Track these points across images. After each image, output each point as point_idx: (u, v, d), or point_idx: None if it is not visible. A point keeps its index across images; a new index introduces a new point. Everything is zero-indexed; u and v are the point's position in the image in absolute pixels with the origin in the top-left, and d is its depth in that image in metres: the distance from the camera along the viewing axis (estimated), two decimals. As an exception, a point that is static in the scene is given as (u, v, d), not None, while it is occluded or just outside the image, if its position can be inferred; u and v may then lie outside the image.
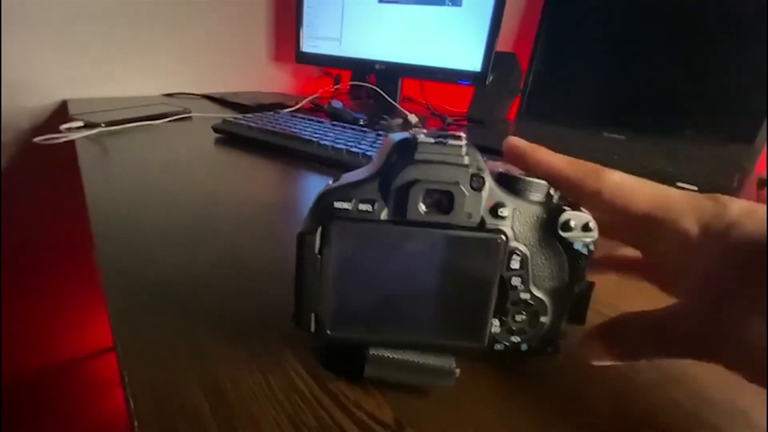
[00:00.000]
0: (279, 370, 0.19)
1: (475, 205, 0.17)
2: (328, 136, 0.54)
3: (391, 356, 0.18)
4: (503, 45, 0.79)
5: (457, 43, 0.75)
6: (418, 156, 0.16)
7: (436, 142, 0.17)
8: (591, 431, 0.18)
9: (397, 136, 0.18)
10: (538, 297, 0.18)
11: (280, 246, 0.30)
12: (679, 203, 0.16)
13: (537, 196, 0.18)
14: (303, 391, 0.18)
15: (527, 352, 0.19)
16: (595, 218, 0.18)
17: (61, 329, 0.95)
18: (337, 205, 0.17)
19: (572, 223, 0.17)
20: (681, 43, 0.65)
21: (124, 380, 0.18)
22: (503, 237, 0.17)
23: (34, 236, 0.85)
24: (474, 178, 0.17)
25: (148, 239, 0.30)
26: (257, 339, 0.21)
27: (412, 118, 0.78)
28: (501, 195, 0.17)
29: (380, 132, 0.58)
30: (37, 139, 0.50)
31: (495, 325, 0.18)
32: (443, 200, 0.17)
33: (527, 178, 0.18)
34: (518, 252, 0.18)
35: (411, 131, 0.17)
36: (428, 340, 0.19)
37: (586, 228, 0.18)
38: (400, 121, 0.79)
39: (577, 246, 0.18)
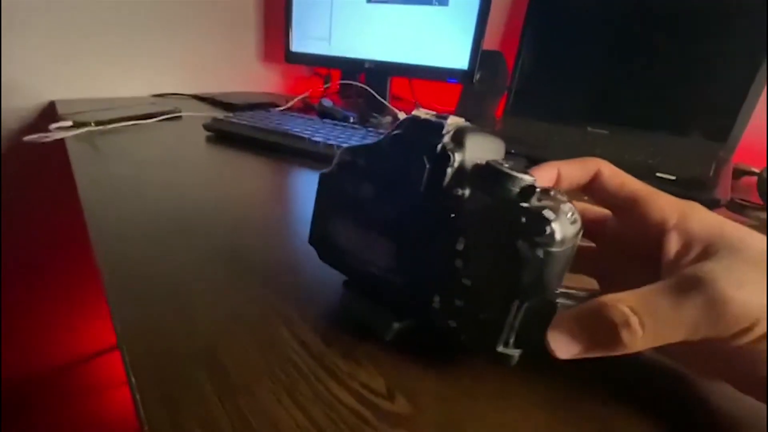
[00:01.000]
0: (278, 351, 0.20)
1: (436, 179, 0.18)
2: (319, 133, 0.55)
3: (355, 294, 0.23)
4: (489, 43, 0.80)
5: (444, 42, 0.76)
6: (403, 128, 0.20)
7: (425, 119, 0.19)
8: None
9: (412, 114, 0.20)
10: (478, 289, 0.17)
11: (273, 240, 0.31)
12: (663, 195, 0.19)
13: (510, 190, 0.17)
14: (300, 366, 0.19)
15: (466, 343, 0.19)
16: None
17: (58, 330, 0.94)
18: (344, 156, 0.22)
19: (524, 225, 0.16)
20: (662, 42, 0.67)
21: (128, 373, 0.19)
22: (451, 214, 0.18)
23: (27, 237, 0.84)
24: (439, 155, 0.18)
25: (144, 236, 0.30)
26: (259, 323, 0.22)
27: (402, 116, 0.79)
28: (467, 178, 0.18)
29: (370, 129, 0.59)
30: (27, 138, 0.50)
31: (436, 301, 0.19)
32: (412, 168, 0.19)
33: (508, 171, 0.17)
34: (465, 235, 0.17)
35: (416, 112, 0.20)
36: (385, 291, 0.21)
37: (539, 232, 0.16)
38: (389, 119, 0.80)
39: (522, 248, 0.16)
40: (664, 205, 0.18)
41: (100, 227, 0.31)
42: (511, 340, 0.17)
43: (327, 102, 0.77)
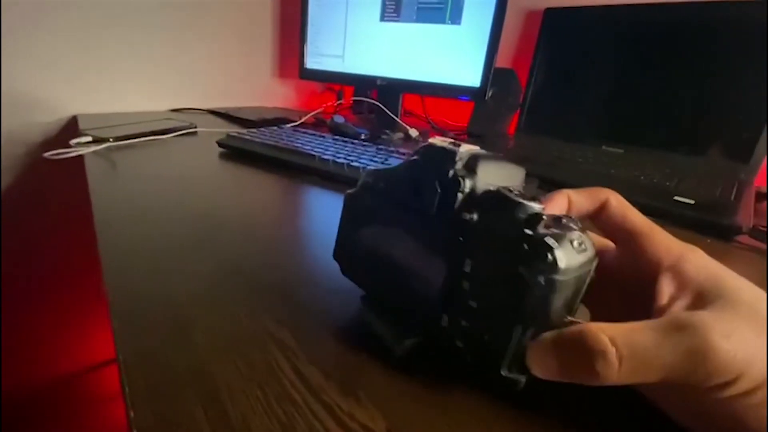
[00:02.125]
0: (275, 382, 0.19)
1: (446, 203, 0.19)
2: (329, 150, 0.55)
3: (373, 310, 0.23)
4: (502, 61, 0.80)
5: (456, 60, 0.77)
6: (419, 154, 0.21)
7: (441, 147, 0.20)
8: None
9: (427, 143, 0.21)
10: (483, 310, 0.18)
11: (282, 259, 0.31)
12: (664, 234, 0.19)
13: (517, 216, 0.17)
14: (298, 401, 0.18)
15: (473, 365, 0.19)
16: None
17: (64, 342, 0.95)
18: (366, 179, 0.23)
19: (528, 253, 0.16)
20: (678, 59, 0.66)
21: (125, 391, 0.19)
22: (460, 238, 0.18)
23: (42, 250, 0.86)
24: (449, 180, 0.19)
25: (153, 251, 0.31)
26: (256, 351, 0.21)
27: (413, 132, 0.80)
28: (477, 203, 0.18)
29: (381, 146, 0.59)
30: (47, 154, 0.52)
31: (444, 320, 0.19)
32: (424, 194, 0.20)
33: (515, 199, 0.17)
34: (473, 258, 0.18)
35: (433, 139, 0.21)
36: (401, 308, 0.22)
37: (543, 260, 0.16)
38: (401, 135, 0.80)
39: (526, 276, 0.16)
40: (663, 245, 0.18)
41: (109, 245, 0.31)
42: (515, 366, 0.17)
43: (339, 118, 0.78)
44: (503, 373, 0.18)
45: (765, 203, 0.57)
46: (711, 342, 0.14)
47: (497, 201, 0.18)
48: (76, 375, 0.99)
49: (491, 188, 0.18)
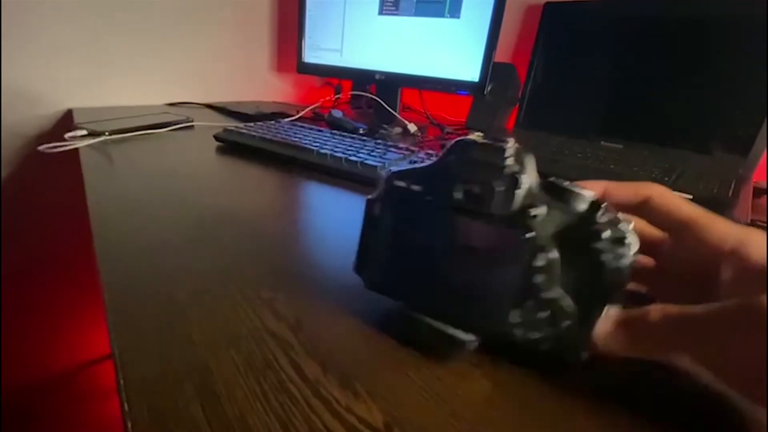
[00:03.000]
0: (273, 376, 0.19)
1: (507, 201, 0.19)
2: (327, 145, 0.55)
3: (421, 319, 0.21)
4: (501, 56, 0.80)
5: (455, 54, 0.76)
6: (465, 153, 0.20)
7: (484, 144, 0.19)
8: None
9: (461, 138, 0.21)
10: (560, 299, 0.19)
11: (279, 254, 0.31)
12: (720, 220, 0.19)
13: (580, 205, 0.19)
14: (295, 395, 0.18)
15: (547, 352, 0.20)
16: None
17: (61, 337, 0.95)
18: (396, 183, 0.21)
19: (603, 235, 0.18)
20: (677, 55, 0.66)
21: (119, 385, 0.18)
22: (527, 234, 0.18)
23: (37, 244, 0.86)
24: (509, 178, 0.19)
25: (149, 245, 0.30)
26: (254, 345, 0.21)
27: (412, 127, 0.79)
28: (538, 198, 0.19)
29: (379, 141, 0.59)
30: (41, 147, 0.51)
31: (516, 316, 0.19)
32: (480, 193, 0.19)
33: (572, 189, 0.19)
34: (545, 252, 0.18)
35: (469, 135, 0.20)
36: (455, 313, 0.21)
37: (618, 242, 0.18)
38: (399, 130, 0.80)
39: (605, 258, 0.18)
40: (720, 231, 0.18)
41: (105, 240, 0.31)
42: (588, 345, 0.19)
43: (337, 113, 0.77)
44: (583, 355, 0.19)
45: (763, 198, 0.58)
46: None
47: (559, 193, 0.19)
48: (73, 371, 0.99)
49: (541, 181, 0.19)
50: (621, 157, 0.63)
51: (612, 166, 0.58)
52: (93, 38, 0.81)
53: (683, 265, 0.20)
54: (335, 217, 0.39)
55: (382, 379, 0.20)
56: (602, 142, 0.71)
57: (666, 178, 0.53)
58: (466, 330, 0.21)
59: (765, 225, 0.44)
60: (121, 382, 0.19)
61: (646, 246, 0.19)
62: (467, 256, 0.20)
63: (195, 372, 0.19)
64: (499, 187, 0.19)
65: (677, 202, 0.20)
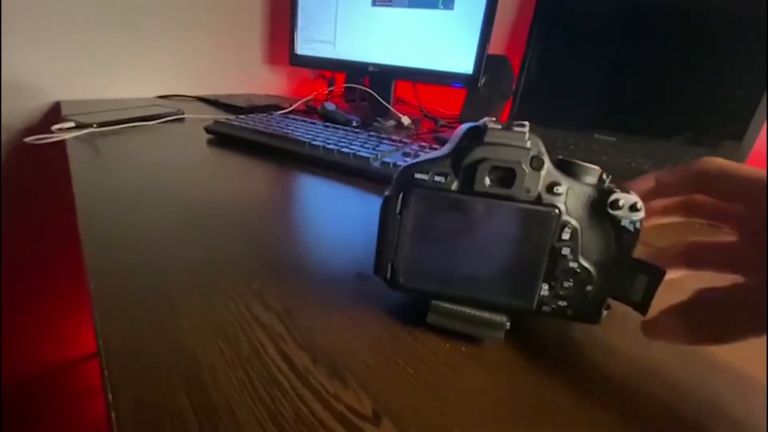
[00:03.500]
0: (261, 366, 0.19)
1: (533, 182, 0.20)
2: (319, 137, 0.54)
3: (450, 307, 0.22)
4: (495, 48, 0.79)
5: (449, 46, 0.75)
6: (487, 139, 0.20)
7: (503, 128, 0.20)
8: None
9: (469, 124, 0.21)
10: (585, 267, 0.20)
11: (269, 245, 0.30)
12: None
13: (590, 179, 0.20)
14: (284, 385, 0.18)
15: (572, 317, 0.21)
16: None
17: (50, 333, 0.94)
18: (417, 176, 0.21)
19: (620, 203, 0.19)
20: (670, 45, 0.66)
21: (104, 377, 0.18)
22: (556, 211, 0.20)
23: (25, 239, 0.84)
24: (534, 159, 0.19)
25: (136, 237, 0.30)
26: (242, 335, 0.21)
27: (405, 120, 0.79)
28: (557, 176, 0.20)
29: (372, 133, 0.58)
30: (27, 139, 0.50)
31: (544, 289, 0.21)
32: (506, 176, 0.20)
33: (583, 164, 0.20)
34: (569, 225, 0.20)
35: (486, 120, 0.20)
36: (485, 297, 0.21)
37: (633, 208, 0.19)
38: (393, 122, 0.80)
39: (624, 223, 0.19)
40: None
41: (91, 231, 0.30)
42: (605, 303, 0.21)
43: (330, 105, 0.77)
44: (604, 313, 0.21)
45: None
46: None
47: (574, 169, 0.20)
48: (63, 367, 0.98)
49: (553, 160, 0.20)
50: (614, 150, 0.63)
51: (605, 159, 0.58)
52: (82, 30, 0.79)
53: (761, 230, 0.19)
54: (326, 209, 0.39)
55: (371, 367, 0.19)
56: (596, 135, 0.71)
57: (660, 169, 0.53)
58: (497, 312, 0.21)
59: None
60: (106, 372, 0.18)
61: (718, 220, 0.20)
62: (497, 239, 0.21)
63: (182, 362, 0.19)
64: (528, 169, 0.19)
65: (737, 166, 0.19)
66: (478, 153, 0.20)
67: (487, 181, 0.20)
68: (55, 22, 0.76)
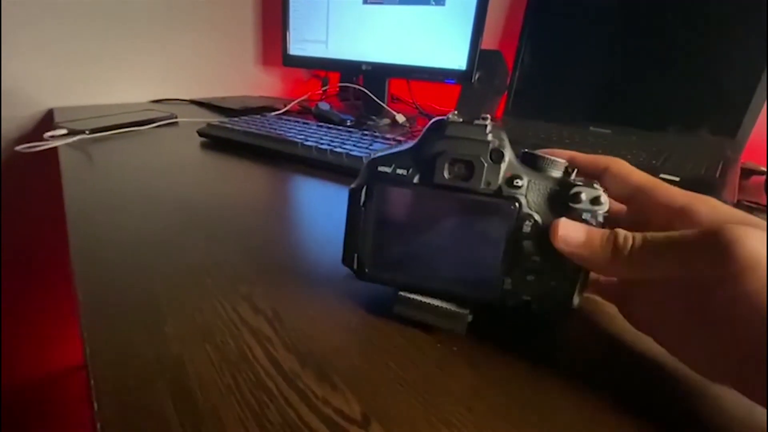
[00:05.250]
0: (248, 370, 0.19)
1: (493, 175, 0.19)
2: (312, 137, 0.54)
3: (416, 299, 0.22)
4: (488, 43, 0.79)
5: (442, 42, 0.75)
6: (447, 132, 0.20)
7: (463, 122, 0.20)
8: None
9: (436, 118, 0.21)
10: (547, 262, 0.20)
11: (260, 249, 0.30)
12: (670, 186, 0.20)
13: (554, 172, 0.20)
14: (271, 389, 0.18)
15: (537, 312, 0.21)
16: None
17: (40, 342, 0.93)
18: (380, 168, 0.21)
19: (582, 196, 0.19)
20: (665, 37, 0.65)
21: (90, 384, 0.18)
22: (516, 204, 0.19)
23: (19, 247, 0.84)
24: (494, 153, 0.19)
25: (126, 244, 0.30)
26: (230, 339, 0.21)
27: (400, 118, 0.78)
28: (519, 169, 0.20)
29: (366, 132, 0.58)
30: (18, 148, 0.50)
31: (507, 283, 0.20)
32: (465, 169, 0.20)
33: (547, 157, 0.20)
34: (531, 219, 0.19)
35: (447, 116, 0.20)
36: (449, 289, 0.21)
37: (595, 201, 0.19)
38: (387, 121, 0.79)
39: (586, 216, 0.19)
40: (670, 193, 0.19)
41: (80, 235, 0.30)
42: (580, 296, 0.20)
43: (324, 105, 0.76)
44: (575, 304, 0.20)
45: (752, 179, 0.58)
46: (734, 233, 0.15)
47: (537, 162, 0.20)
48: (60, 373, 0.97)
49: (518, 153, 0.20)
50: (610, 143, 0.63)
51: (600, 151, 0.57)
52: (75, 37, 0.79)
53: (640, 229, 0.20)
54: (318, 210, 0.38)
55: (360, 370, 0.19)
56: (591, 128, 0.70)
57: (654, 161, 0.52)
58: (461, 304, 0.21)
59: (752, 206, 0.44)
60: (92, 382, 0.18)
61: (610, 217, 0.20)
62: (458, 232, 0.21)
63: (168, 368, 0.19)
64: (487, 162, 0.19)
65: (631, 170, 0.21)
66: (438, 146, 0.20)
67: (447, 173, 0.20)
68: (47, 30, 0.76)
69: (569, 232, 0.19)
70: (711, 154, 0.56)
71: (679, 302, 0.17)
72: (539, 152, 0.21)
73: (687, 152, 0.57)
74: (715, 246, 0.15)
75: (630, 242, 0.17)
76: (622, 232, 0.18)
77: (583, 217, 0.19)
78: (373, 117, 0.79)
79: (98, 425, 0.16)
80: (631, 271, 0.18)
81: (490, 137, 0.20)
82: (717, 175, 0.48)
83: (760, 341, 0.14)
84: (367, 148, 0.50)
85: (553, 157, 0.20)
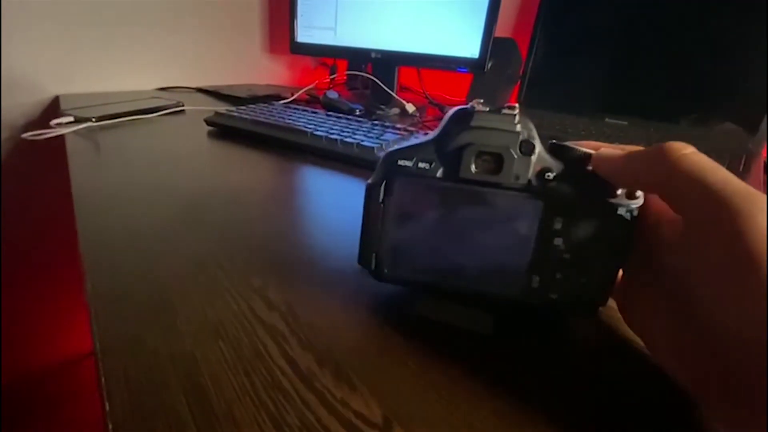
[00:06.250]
0: (264, 369, 0.18)
1: (523, 168, 0.18)
2: (322, 127, 0.53)
3: (440, 300, 0.21)
4: (502, 30, 0.77)
5: (454, 30, 0.73)
6: (474, 123, 0.18)
7: (490, 111, 0.19)
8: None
9: (457, 107, 0.20)
10: (578, 258, 0.19)
11: (272, 241, 0.29)
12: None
13: (585, 165, 0.19)
14: (287, 390, 0.17)
15: (565, 310, 0.20)
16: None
17: (48, 331, 0.94)
18: (401, 162, 0.20)
19: (618, 190, 0.18)
20: (683, 28, 0.63)
21: (100, 381, 0.17)
22: (547, 199, 0.18)
23: (24, 236, 0.84)
24: (523, 144, 0.18)
25: (135, 233, 0.29)
26: (244, 336, 0.20)
27: (410, 107, 0.77)
28: (549, 161, 0.18)
29: (376, 122, 0.57)
30: (25, 135, 0.50)
31: (535, 281, 0.19)
32: (494, 162, 0.18)
33: (578, 148, 0.19)
34: (561, 214, 0.18)
35: (473, 103, 0.19)
36: (473, 288, 0.20)
37: (630, 195, 0.18)
38: (397, 110, 0.78)
39: (621, 211, 0.18)
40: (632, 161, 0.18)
41: (89, 226, 0.29)
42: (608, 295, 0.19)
43: (332, 94, 0.75)
44: (606, 302, 0.19)
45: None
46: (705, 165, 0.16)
47: (567, 155, 0.19)
48: (63, 365, 0.98)
49: (542, 144, 0.19)
50: (626, 134, 0.61)
51: (617, 143, 0.56)
52: (81, 24, 0.78)
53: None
54: (330, 202, 0.37)
55: (380, 370, 0.18)
56: (607, 119, 0.69)
57: (674, 155, 0.51)
58: (487, 304, 0.20)
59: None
60: (102, 380, 0.17)
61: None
62: (484, 228, 0.19)
63: (181, 365, 0.18)
64: (517, 154, 0.18)
65: (610, 153, 0.19)
66: (464, 138, 0.19)
67: (474, 167, 0.19)
68: (53, 17, 0.75)
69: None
70: (733, 147, 0.54)
71: (666, 302, 0.17)
72: (568, 144, 0.19)
73: (708, 145, 0.55)
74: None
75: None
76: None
77: (618, 212, 0.18)
78: (382, 106, 0.78)
79: (110, 426, 0.16)
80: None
81: (519, 128, 0.18)
82: (741, 168, 0.47)
83: (744, 350, 0.13)
84: (378, 138, 0.49)
85: (581, 148, 0.19)
